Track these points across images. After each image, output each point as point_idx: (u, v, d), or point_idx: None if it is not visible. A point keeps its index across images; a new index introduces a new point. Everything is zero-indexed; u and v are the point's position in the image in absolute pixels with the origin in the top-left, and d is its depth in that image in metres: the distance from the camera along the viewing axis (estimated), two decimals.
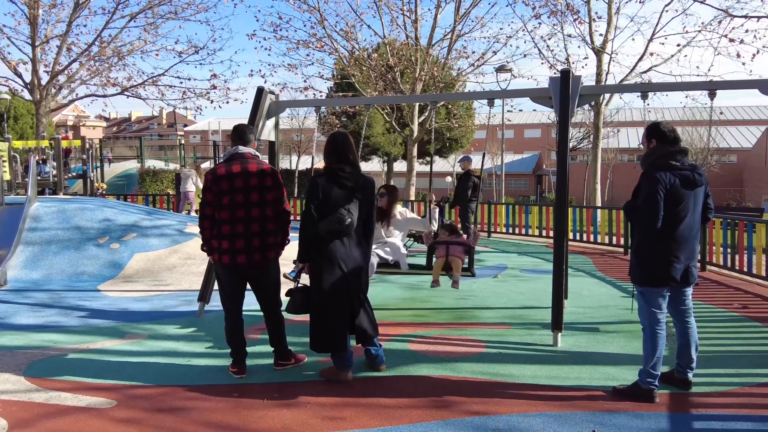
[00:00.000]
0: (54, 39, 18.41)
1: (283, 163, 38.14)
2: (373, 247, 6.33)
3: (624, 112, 40.86)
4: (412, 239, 6.90)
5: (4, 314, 6.76)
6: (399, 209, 6.58)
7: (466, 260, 6.42)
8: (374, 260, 6.18)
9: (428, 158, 35.32)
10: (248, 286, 4.71)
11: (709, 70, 17.75)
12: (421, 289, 8.03)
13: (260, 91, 6.69)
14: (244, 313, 4.75)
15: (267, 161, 5.17)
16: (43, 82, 17.99)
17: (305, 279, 4.57)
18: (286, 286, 4.81)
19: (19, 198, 11.13)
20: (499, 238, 14.45)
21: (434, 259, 6.46)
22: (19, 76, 17.88)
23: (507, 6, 20.97)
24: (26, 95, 18.56)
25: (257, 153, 4.73)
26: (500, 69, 19.35)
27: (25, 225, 9.62)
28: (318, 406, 4.06)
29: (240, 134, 4.70)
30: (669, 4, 15.57)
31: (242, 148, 4.62)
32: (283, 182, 4.70)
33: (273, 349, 4.81)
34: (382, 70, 17.31)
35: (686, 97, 16.50)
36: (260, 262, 4.55)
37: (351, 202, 4.34)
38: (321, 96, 20.22)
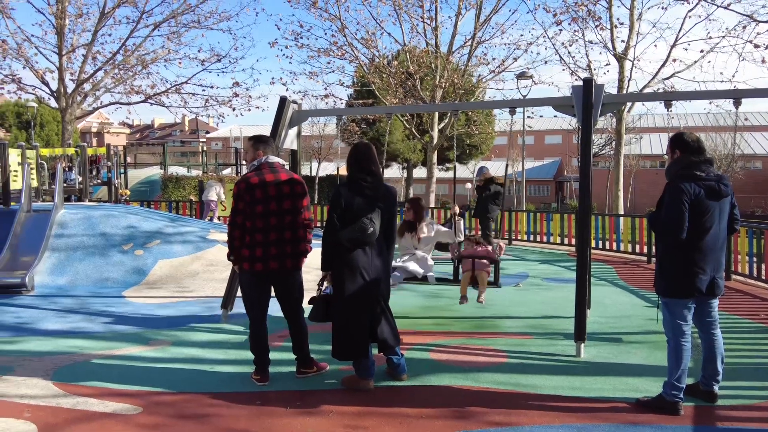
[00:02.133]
0: (80, 48, 18.76)
1: (303, 170, 38.33)
2: (404, 258, 6.44)
3: (646, 118, 40.46)
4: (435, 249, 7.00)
5: (32, 319, 6.89)
6: (427, 221, 6.56)
7: (492, 272, 6.47)
8: (399, 274, 6.26)
9: (448, 164, 35.30)
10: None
11: (733, 75, 17.57)
12: (442, 297, 8.03)
13: (283, 101, 6.76)
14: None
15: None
16: (69, 90, 18.34)
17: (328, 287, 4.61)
18: (309, 294, 4.85)
19: (46, 204, 11.34)
20: (520, 245, 14.38)
21: (460, 271, 6.49)
22: (46, 84, 18.26)
23: (528, 13, 20.93)
24: (52, 103, 18.91)
25: (284, 162, 4.79)
26: (521, 75, 19.31)
27: (51, 231, 9.80)
28: (340, 415, 4.08)
29: (268, 144, 4.79)
30: (692, 9, 15.44)
31: (272, 158, 4.70)
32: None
33: (295, 356, 4.84)
34: (402, 78, 17.37)
35: (710, 103, 16.28)
36: (291, 269, 4.62)
37: (373, 211, 4.39)
38: (341, 103, 20.35)
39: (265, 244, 4.50)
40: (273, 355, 4.89)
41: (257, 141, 4.76)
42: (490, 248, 6.60)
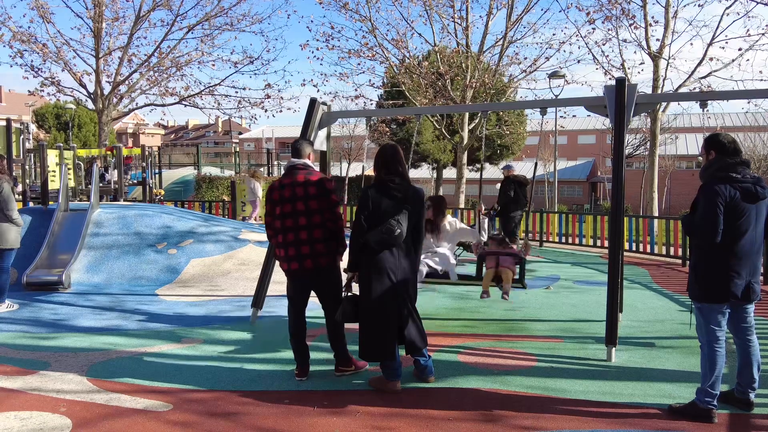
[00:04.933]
0: (116, 51, 19.10)
1: (333, 170, 38.53)
2: (422, 256, 6.27)
3: (682, 117, 39.64)
4: (461, 248, 6.85)
5: (68, 316, 7.07)
6: (449, 219, 6.46)
7: (518, 271, 6.33)
8: (423, 269, 6.13)
9: (478, 165, 35.07)
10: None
11: None
12: (471, 299, 7.98)
13: (313, 102, 6.80)
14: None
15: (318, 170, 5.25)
16: (106, 92, 18.70)
17: (355, 288, 4.62)
18: None
19: (82, 204, 11.60)
20: (552, 247, 14.22)
21: (484, 270, 6.39)
22: (84, 86, 18.63)
23: (560, 11, 20.66)
24: (90, 105, 19.26)
25: (308, 163, 4.83)
26: (553, 75, 19.08)
27: (87, 230, 10.02)
28: (367, 416, 4.09)
29: (293, 148, 4.93)
30: (730, 6, 15.06)
31: (294, 160, 4.83)
32: (332, 189, 4.74)
33: (334, 353, 4.91)
34: (433, 78, 17.32)
35: (748, 102, 15.87)
36: (312, 269, 4.67)
37: (400, 213, 4.39)
38: (371, 104, 20.35)
39: (285, 244, 4.68)
40: None
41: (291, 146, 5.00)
42: (515, 247, 6.50)
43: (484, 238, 6.53)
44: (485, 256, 6.38)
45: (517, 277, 6.31)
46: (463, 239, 6.53)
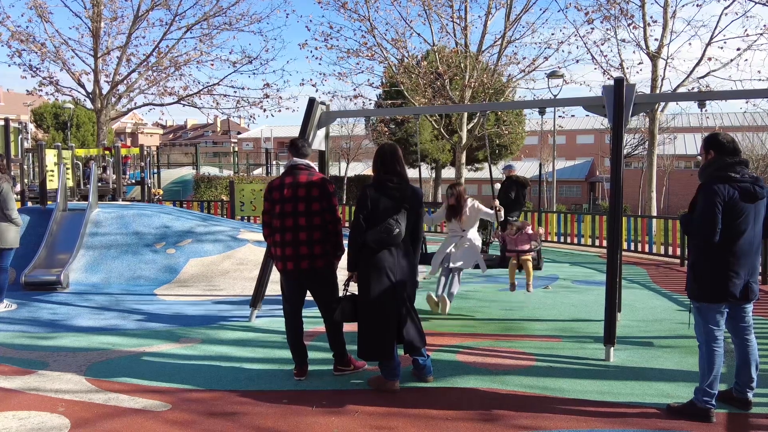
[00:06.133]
0: (114, 50, 19.09)
1: (332, 170, 38.51)
2: (452, 243, 6.92)
3: (681, 117, 39.68)
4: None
5: (67, 316, 7.06)
6: (469, 203, 6.93)
7: (534, 256, 7.05)
8: (457, 283, 6.92)
9: (477, 165, 35.08)
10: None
11: None
12: (470, 299, 7.99)
13: (311, 102, 6.80)
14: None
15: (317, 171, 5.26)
16: (104, 92, 18.69)
17: (354, 287, 4.62)
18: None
19: (81, 204, 11.59)
20: (551, 247, 14.22)
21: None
22: (82, 86, 18.61)
23: (559, 11, 20.64)
24: (88, 104, 19.24)
25: (310, 164, 4.84)
26: (552, 75, 19.10)
27: (86, 230, 10.01)
28: (366, 415, 4.09)
29: (295, 147, 4.89)
30: (728, 6, 15.09)
31: (297, 160, 4.80)
32: (333, 192, 4.75)
33: (333, 353, 4.91)
34: (431, 78, 17.32)
35: (747, 102, 15.89)
36: (309, 270, 4.66)
37: (399, 212, 4.40)
38: (370, 104, 20.35)
39: (282, 243, 4.65)
40: None
41: (288, 146, 4.97)
42: (529, 229, 7.06)
43: (501, 218, 7.02)
44: (506, 244, 7.07)
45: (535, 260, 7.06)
46: (483, 218, 7.07)
